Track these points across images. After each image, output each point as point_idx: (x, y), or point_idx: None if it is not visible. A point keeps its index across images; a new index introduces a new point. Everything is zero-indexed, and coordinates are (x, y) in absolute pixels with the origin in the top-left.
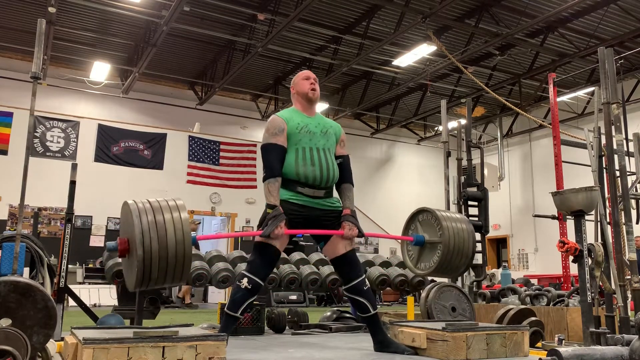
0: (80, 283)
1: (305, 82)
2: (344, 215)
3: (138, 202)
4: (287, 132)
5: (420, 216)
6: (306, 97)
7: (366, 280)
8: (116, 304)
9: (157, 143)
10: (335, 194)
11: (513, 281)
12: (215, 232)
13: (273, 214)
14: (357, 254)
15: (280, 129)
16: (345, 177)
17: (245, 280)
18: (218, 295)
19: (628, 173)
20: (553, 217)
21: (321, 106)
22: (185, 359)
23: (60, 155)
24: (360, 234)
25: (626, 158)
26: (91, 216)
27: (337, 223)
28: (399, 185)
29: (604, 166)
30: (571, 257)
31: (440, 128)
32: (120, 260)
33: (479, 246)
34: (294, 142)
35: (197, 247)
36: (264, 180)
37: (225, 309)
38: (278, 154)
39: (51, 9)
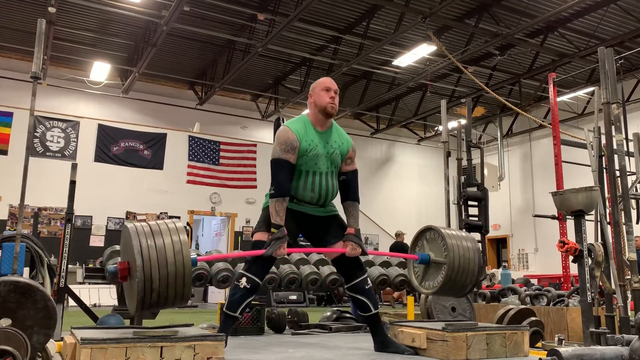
0: (80, 283)
1: (325, 95)
2: (348, 234)
3: (137, 225)
4: (298, 150)
5: (427, 234)
6: (324, 111)
7: (368, 279)
8: (116, 304)
9: (157, 143)
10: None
11: (513, 281)
12: (216, 231)
13: (277, 235)
14: None
15: (293, 147)
16: (349, 194)
17: (243, 280)
18: (218, 295)
19: (628, 173)
20: (553, 217)
21: None
22: (183, 359)
23: (60, 155)
24: (363, 253)
25: (626, 158)
26: (91, 216)
27: (335, 226)
28: (399, 185)
29: (604, 166)
30: (571, 257)
31: (440, 128)
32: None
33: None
34: (299, 164)
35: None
36: (271, 197)
37: (224, 309)
38: (289, 172)
39: (51, 9)
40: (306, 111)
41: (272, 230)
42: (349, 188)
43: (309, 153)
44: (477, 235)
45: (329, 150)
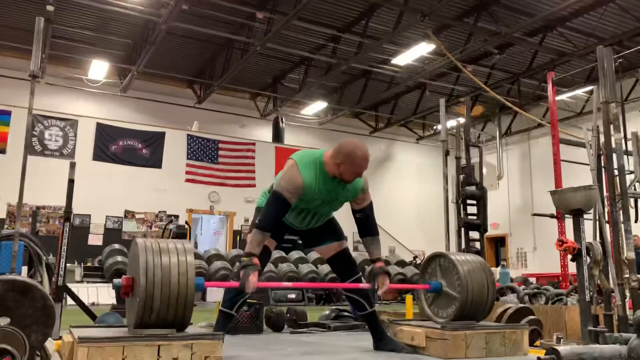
0: (78, 282)
1: (352, 175)
2: (376, 267)
3: (147, 242)
4: (300, 195)
5: (439, 260)
6: (342, 179)
7: (363, 278)
8: (115, 302)
9: (155, 142)
10: None
11: (511, 280)
12: (214, 230)
13: (245, 263)
14: (357, 252)
15: (297, 192)
16: (369, 230)
17: None
18: (217, 294)
19: (627, 172)
20: (552, 216)
21: (320, 105)
22: (181, 358)
23: (58, 153)
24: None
25: (625, 157)
26: (89, 215)
27: (331, 226)
28: (397, 184)
29: (602, 165)
30: (570, 256)
31: (439, 127)
32: (119, 259)
33: (478, 245)
34: (297, 203)
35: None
36: (254, 226)
37: (220, 306)
38: (283, 211)
39: (49, 7)
40: (324, 150)
41: (243, 258)
42: (368, 224)
43: (310, 200)
44: (475, 234)
45: (333, 197)
